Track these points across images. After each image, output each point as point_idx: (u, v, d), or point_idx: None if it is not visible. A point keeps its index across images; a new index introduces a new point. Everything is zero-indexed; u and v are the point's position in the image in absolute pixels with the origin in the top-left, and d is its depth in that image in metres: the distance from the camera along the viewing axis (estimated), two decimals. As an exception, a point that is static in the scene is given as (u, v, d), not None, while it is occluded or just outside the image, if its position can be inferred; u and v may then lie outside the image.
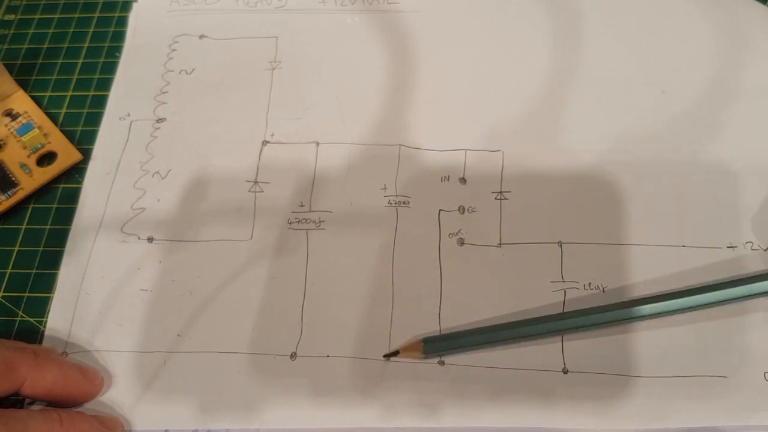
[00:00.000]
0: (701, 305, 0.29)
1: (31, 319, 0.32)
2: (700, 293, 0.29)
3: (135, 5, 0.40)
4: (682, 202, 0.32)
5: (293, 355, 0.30)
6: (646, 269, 0.31)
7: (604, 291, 0.30)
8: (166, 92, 0.37)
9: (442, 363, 0.29)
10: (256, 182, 0.34)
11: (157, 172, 0.35)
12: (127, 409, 0.29)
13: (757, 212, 0.32)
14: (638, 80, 0.35)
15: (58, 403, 0.29)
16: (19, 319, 0.32)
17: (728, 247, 0.31)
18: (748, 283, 0.29)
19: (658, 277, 0.30)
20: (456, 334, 0.30)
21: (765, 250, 0.31)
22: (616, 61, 0.36)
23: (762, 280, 0.29)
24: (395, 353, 0.30)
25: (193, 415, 0.29)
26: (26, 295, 0.32)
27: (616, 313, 0.29)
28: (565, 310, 0.30)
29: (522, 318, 0.30)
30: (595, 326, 0.29)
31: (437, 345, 0.29)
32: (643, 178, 0.33)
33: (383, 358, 0.30)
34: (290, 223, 0.33)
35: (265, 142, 0.35)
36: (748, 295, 0.29)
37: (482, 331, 0.29)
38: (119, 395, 0.29)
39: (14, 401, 0.29)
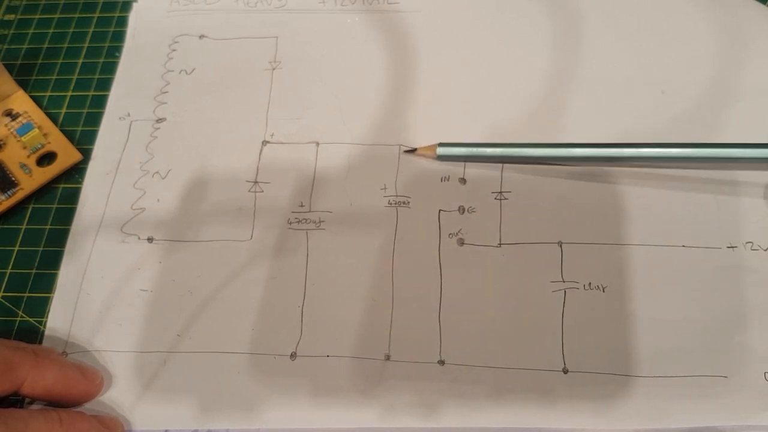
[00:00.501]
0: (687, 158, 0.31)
1: (31, 319, 0.32)
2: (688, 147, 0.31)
3: (135, 5, 0.40)
4: (682, 203, 0.32)
5: (293, 355, 0.30)
6: (646, 269, 0.31)
7: (604, 291, 0.30)
8: (166, 92, 0.37)
9: (442, 363, 0.29)
10: (256, 182, 0.34)
11: (157, 172, 0.35)
12: (127, 409, 0.29)
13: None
14: (638, 80, 0.35)
15: (58, 403, 0.29)
16: (19, 319, 0.32)
17: (728, 247, 0.31)
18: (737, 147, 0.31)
19: (658, 277, 0.30)
20: (472, 144, 0.33)
21: (765, 250, 0.31)
22: (616, 61, 0.36)
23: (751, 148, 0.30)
24: (413, 150, 0.33)
25: (193, 415, 0.29)
26: (26, 295, 0.32)
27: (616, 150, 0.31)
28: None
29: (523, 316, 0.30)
30: (607, 160, 0.32)
31: (452, 148, 0.32)
32: (643, 178, 0.33)
33: (404, 152, 0.34)
34: (290, 223, 0.33)
35: (265, 142, 0.35)
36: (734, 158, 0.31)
37: (494, 145, 0.32)
38: (119, 395, 0.29)
39: (14, 401, 0.29)
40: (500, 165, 0.34)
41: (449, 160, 0.33)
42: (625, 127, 0.34)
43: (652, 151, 0.31)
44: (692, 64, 0.36)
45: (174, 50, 0.39)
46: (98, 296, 0.32)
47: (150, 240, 0.33)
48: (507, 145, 0.33)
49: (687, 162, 0.32)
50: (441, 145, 0.33)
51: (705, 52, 0.36)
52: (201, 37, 0.39)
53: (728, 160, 0.31)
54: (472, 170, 0.34)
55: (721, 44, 0.36)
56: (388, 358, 0.30)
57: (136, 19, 0.40)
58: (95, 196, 0.34)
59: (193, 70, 0.38)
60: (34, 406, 0.29)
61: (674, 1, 0.38)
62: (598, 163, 0.33)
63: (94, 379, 0.29)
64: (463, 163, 0.34)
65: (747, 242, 0.31)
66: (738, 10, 0.37)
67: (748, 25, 0.36)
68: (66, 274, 0.32)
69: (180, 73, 0.38)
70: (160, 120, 0.36)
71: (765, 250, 0.31)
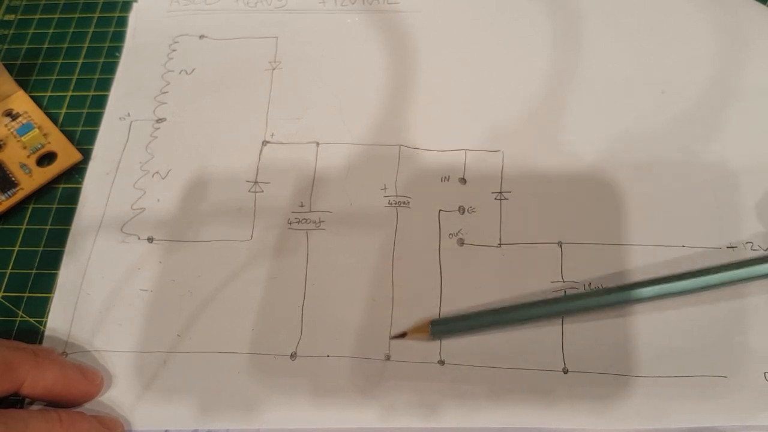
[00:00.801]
0: (699, 288, 0.29)
1: (31, 320, 0.32)
2: (698, 276, 0.29)
3: (135, 5, 0.40)
4: (682, 203, 0.32)
5: (293, 355, 0.30)
6: (646, 269, 0.31)
7: (604, 291, 0.30)
8: (166, 92, 0.37)
9: (442, 363, 0.29)
10: (256, 182, 0.34)
11: (157, 172, 0.35)
12: (127, 409, 0.29)
13: (761, 200, 0.32)
14: (638, 80, 0.35)
15: (58, 403, 0.29)
16: (19, 319, 0.32)
17: (728, 247, 0.31)
18: (747, 266, 0.29)
19: (658, 278, 0.30)
20: (463, 316, 0.30)
21: (765, 251, 0.31)
22: (616, 61, 0.36)
23: (761, 263, 0.29)
24: (402, 335, 0.30)
25: (193, 415, 0.29)
26: (26, 295, 0.32)
27: (618, 295, 0.29)
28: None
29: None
30: (598, 308, 0.29)
31: (445, 327, 0.30)
32: (643, 179, 0.33)
33: (390, 339, 0.30)
34: (290, 223, 0.33)
35: (265, 142, 0.35)
36: (746, 278, 0.29)
37: (489, 313, 0.30)
38: (119, 395, 0.29)
39: (14, 401, 0.29)
40: (500, 164, 0.34)
41: (444, 337, 0.30)
42: (625, 127, 0.34)
43: (621, 295, 0.30)
44: (692, 64, 0.36)
45: (174, 50, 0.39)
46: (98, 296, 0.32)
47: (150, 240, 0.33)
48: (496, 311, 0.30)
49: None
50: (434, 323, 0.30)
51: (705, 52, 0.36)
52: (201, 37, 0.39)
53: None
54: (473, 170, 0.34)
55: (721, 44, 0.36)
56: (388, 358, 0.30)
57: (136, 19, 0.40)
58: (95, 196, 0.34)
59: (193, 70, 0.38)
60: (34, 407, 0.29)
61: (674, 0, 0.37)
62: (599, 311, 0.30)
63: (94, 379, 0.29)
64: (463, 163, 0.34)
65: (747, 242, 0.31)
66: (738, 10, 0.37)
67: (748, 25, 0.36)
68: (66, 274, 0.32)
69: (180, 73, 0.38)
70: (160, 120, 0.36)
71: (765, 250, 0.31)
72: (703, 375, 0.28)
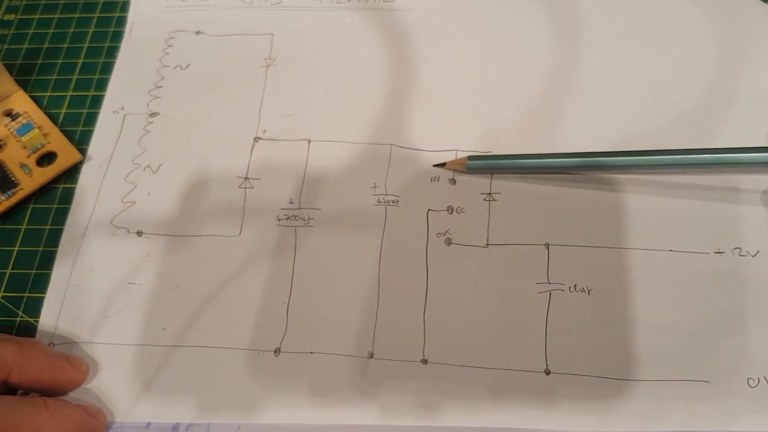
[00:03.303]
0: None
1: (30, 319, 0.32)
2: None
3: (133, 0, 0.41)
4: (671, 207, 0.32)
5: (277, 351, 0.30)
6: (632, 273, 0.31)
7: (589, 293, 0.30)
8: (161, 87, 0.37)
9: (425, 362, 0.29)
10: (246, 178, 0.34)
11: (149, 166, 0.35)
12: (110, 400, 0.29)
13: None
14: (633, 82, 0.35)
15: (46, 392, 0.29)
16: (18, 319, 0.32)
17: (716, 252, 0.31)
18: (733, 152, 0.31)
19: (644, 281, 0.30)
20: (498, 156, 0.33)
21: (753, 256, 0.31)
22: (611, 62, 0.36)
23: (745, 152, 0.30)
24: (443, 165, 0.33)
25: (176, 409, 0.29)
26: (26, 295, 0.33)
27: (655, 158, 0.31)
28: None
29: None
30: (634, 167, 0.32)
31: (480, 162, 0.33)
32: (633, 182, 0.32)
33: (433, 167, 0.33)
34: (279, 220, 0.33)
35: (257, 139, 0.35)
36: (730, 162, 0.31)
37: (522, 156, 0.32)
38: (104, 386, 0.30)
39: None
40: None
41: (478, 173, 0.33)
42: (618, 130, 0.34)
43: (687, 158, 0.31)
44: (689, 66, 0.35)
45: (170, 45, 0.39)
46: (86, 288, 0.32)
47: (139, 233, 0.33)
48: (536, 156, 0.33)
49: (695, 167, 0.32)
50: (471, 158, 0.33)
51: (703, 54, 0.36)
52: (197, 33, 0.39)
53: (728, 164, 0.31)
54: (464, 170, 0.34)
55: (720, 46, 0.36)
56: (371, 355, 0.30)
57: (134, 14, 0.40)
58: (87, 188, 0.35)
59: (189, 65, 0.38)
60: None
61: (674, 1, 0.37)
62: (624, 171, 0.33)
63: (79, 366, 0.30)
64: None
65: (735, 248, 0.31)
66: (738, 10, 0.37)
67: (748, 26, 0.36)
68: (59, 266, 0.33)
69: (175, 68, 0.38)
70: (153, 114, 0.36)
71: (753, 256, 0.31)
72: (685, 379, 0.28)
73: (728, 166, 0.32)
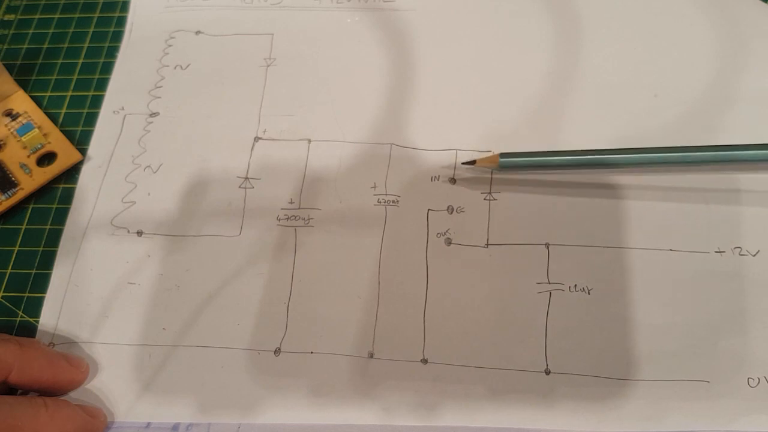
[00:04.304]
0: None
1: (30, 320, 0.32)
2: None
3: (133, 1, 0.41)
4: (672, 206, 0.32)
5: (277, 351, 0.30)
6: (632, 273, 0.31)
7: (589, 293, 0.30)
8: (161, 87, 0.37)
9: (425, 362, 0.29)
10: (246, 178, 0.34)
11: (149, 166, 0.35)
12: (110, 400, 0.29)
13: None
14: (633, 82, 0.35)
15: (46, 392, 0.29)
16: (19, 319, 0.32)
17: (716, 252, 0.31)
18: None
19: (644, 281, 0.30)
20: (531, 152, 0.32)
21: (754, 256, 0.31)
22: (612, 61, 0.36)
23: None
24: (472, 162, 0.33)
25: (176, 408, 0.29)
26: (26, 295, 0.33)
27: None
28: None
29: (509, 318, 0.30)
30: (666, 164, 0.32)
31: (513, 159, 0.32)
32: (633, 182, 0.32)
33: (462, 164, 0.33)
34: (279, 220, 0.33)
35: (257, 139, 0.35)
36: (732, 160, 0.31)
37: (555, 153, 0.32)
38: (103, 386, 0.30)
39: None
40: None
41: (511, 171, 0.33)
42: (618, 130, 0.34)
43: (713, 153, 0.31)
44: (689, 66, 0.35)
45: (170, 45, 0.39)
46: (86, 288, 0.32)
47: (139, 233, 0.33)
48: (569, 152, 0.32)
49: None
50: (503, 155, 0.32)
51: (703, 54, 0.36)
52: (197, 33, 0.39)
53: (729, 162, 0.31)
54: (463, 170, 0.34)
55: (720, 46, 0.36)
56: (371, 355, 0.30)
57: (134, 14, 0.40)
58: (87, 188, 0.35)
59: (188, 65, 0.38)
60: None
61: (673, 1, 0.37)
62: (653, 168, 0.33)
63: (80, 366, 0.30)
64: (454, 163, 0.34)
65: (735, 247, 0.31)
66: (738, 10, 0.37)
67: (748, 26, 0.36)
68: (59, 266, 0.33)
69: (175, 68, 0.38)
70: (153, 114, 0.36)
71: (753, 256, 0.31)
72: (685, 379, 0.28)
73: (729, 163, 0.32)
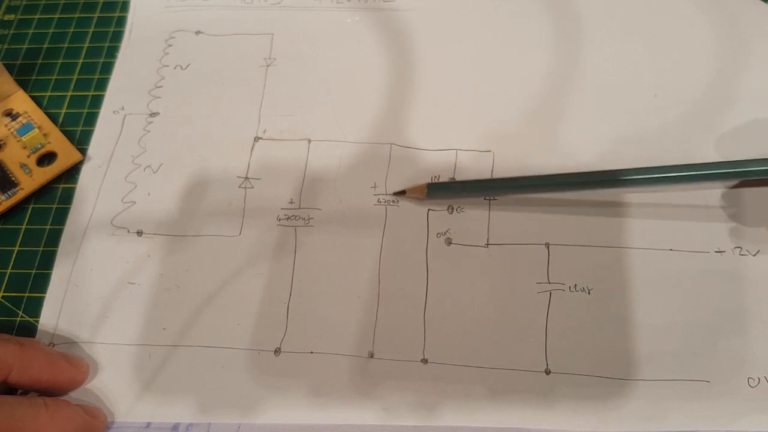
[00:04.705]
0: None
1: (30, 319, 0.32)
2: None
3: (133, 1, 0.41)
4: (672, 206, 0.32)
5: (277, 351, 0.30)
6: (632, 272, 0.31)
7: (589, 293, 0.30)
8: (161, 87, 0.37)
9: (425, 361, 0.29)
10: (246, 178, 0.34)
11: (149, 166, 0.35)
12: (110, 400, 0.29)
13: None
14: (633, 82, 0.35)
15: (46, 392, 0.29)
16: (19, 318, 0.32)
17: (716, 251, 0.31)
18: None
19: (644, 281, 0.30)
20: (458, 182, 0.33)
21: (754, 255, 0.31)
22: (612, 61, 0.36)
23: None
24: (402, 192, 0.33)
25: (176, 408, 0.29)
26: (26, 295, 0.33)
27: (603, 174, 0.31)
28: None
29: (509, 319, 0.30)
30: (588, 186, 0.32)
31: (440, 190, 0.32)
32: (633, 182, 0.32)
33: (394, 196, 0.33)
34: (279, 220, 0.33)
35: (257, 139, 0.35)
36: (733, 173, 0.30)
37: (482, 181, 0.33)
38: (104, 386, 0.30)
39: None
40: (491, 164, 0.34)
41: (438, 198, 0.33)
42: (618, 130, 0.34)
43: (633, 176, 0.31)
44: (690, 66, 0.36)
45: (170, 45, 0.39)
46: (86, 288, 0.32)
47: (139, 233, 0.33)
48: (493, 181, 0.33)
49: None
50: (430, 186, 0.32)
51: (703, 54, 0.36)
52: (197, 33, 0.39)
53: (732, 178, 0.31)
54: (463, 170, 0.34)
55: (720, 46, 0.36)
56: (371, 355, 0.30)
57: (134, 14, 0.40)
58: (87, 188, 0.35)
59: (188, 65, 0.38)
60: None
61: (673, 1, 0.37)
62: (584, 188, 0.32)
63: (80, 365, 0.30)
64: (454, 163, 0.34)
65: (735, 247, 0.31)
66: (738, 10, 0.37)
67: (747, 25, 0.36)
68: (59, 266, 0.33)
69: (175, 68, 0.38)
70: (153, 114, 0.36)
71: (753, 256, 0.31)
72: (686, 379, 0.28)
73: (732, 179, 0.32)
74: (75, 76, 0.39)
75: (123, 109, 0.37)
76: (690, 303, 0.30)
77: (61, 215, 0.34)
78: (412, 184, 0.33)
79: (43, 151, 0.36)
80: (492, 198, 0.33)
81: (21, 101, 0.37)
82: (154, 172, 0.35)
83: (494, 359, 0.29)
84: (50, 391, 0.29)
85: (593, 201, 0.32)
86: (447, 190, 0.33)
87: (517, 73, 0.36)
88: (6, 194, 0.34)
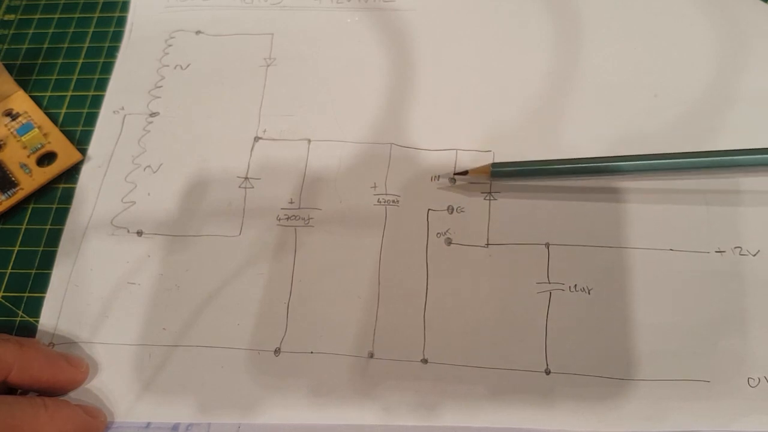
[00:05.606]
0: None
1: (30, 319, 0.32)
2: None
3: (133, 1, 0.41)
4: (672, 205, 0.32)
5: (277, 351, 0.30)
6: (632, 273, 0.31)
7: (589, 293, 0.30)
8: (161, 87, 0.37)
9: (425, 361, 0.29)
10: (246, 178, 0.34)
11: (149, 166, 0.35)
12: (110, 400, 0.29)
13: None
14: (633, 82, 0.35)
15: (46, 392, 0.29)
16: (19, 318, 0.32)
17: (716, 251, 0.31)
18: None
19: (644, 281, 0.30)
20: (523, 162, 0.32)
21: (754, 255, 0.31)
22: (612, 62, 0.36)
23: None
24: (465, 172, 0.32)
25: (176, 409, 0.29)
26: (26, 295, 0.32)
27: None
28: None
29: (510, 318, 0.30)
30: (659, 171, 0.32)
31: (505, 169, 0.32)
32: (633, 182, 0.32)
33: (453, 176, 0.33)
34: (279, 220, 0.33)
35: (257, 139, 0.35)
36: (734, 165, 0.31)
37: (546, 162, 0.32)
38: (104, 386, 0.30)
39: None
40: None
41: (503, 179, 0.33)
42: (618, 130, 0.34)
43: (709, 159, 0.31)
44: (690, 66, 0.35)
45: (170, 45, 0.39)
46: (86, 288, 0.32)
47: (139, 233, 0.33)
48: (562, 161, 0.32)
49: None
50: (495, 165, 0.32)
51: (703, 54, 0.36)
52: (197, 33, 0.39)
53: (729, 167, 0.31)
54: (463, 169, 0.33)
55: (720, 46, 0.36)
56: (371, 355, 0.30)
57: (134, 14, 0.40)
58: (87, 188, 0.35)
59: (188, 65, 0.38)
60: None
61: (673, 1, 0.37)
62: (646, 175, 0.33)
63: (79, 365, 0.30)
64: (454, 163, 0.34)
65: (736, 247, 0.31)
66: (738, 10, 0.37)
67: (747, 25, 0.36)
68: (59, 266, 0.33)
69: (175, 68, 0.38)
70: (153, 114, 0.36)
71: (754, 255, 0.31)
72: (686, 379, 0.28)
73: (728, 169, 0.32)
74: (75, 76, 0.39)
75: (123, 109, 0.37)
76: (690, 303, 0.30)
77: (61, 215, 0.34)
78: (476, 165, 0.33)
79: (43, 151, 0.36)
80: (492, 198, 0.33)
81: (21, 101, 0.37)
82: (154, 172, 0.35)
83: (494, 359, 0.29)
84: (50, 391, 0.29)
85: (593, 201, 0.32)
86: (512, 172, 0.32)
87: (517, 73, 0.36)
88: (6, 194, 0.34)
